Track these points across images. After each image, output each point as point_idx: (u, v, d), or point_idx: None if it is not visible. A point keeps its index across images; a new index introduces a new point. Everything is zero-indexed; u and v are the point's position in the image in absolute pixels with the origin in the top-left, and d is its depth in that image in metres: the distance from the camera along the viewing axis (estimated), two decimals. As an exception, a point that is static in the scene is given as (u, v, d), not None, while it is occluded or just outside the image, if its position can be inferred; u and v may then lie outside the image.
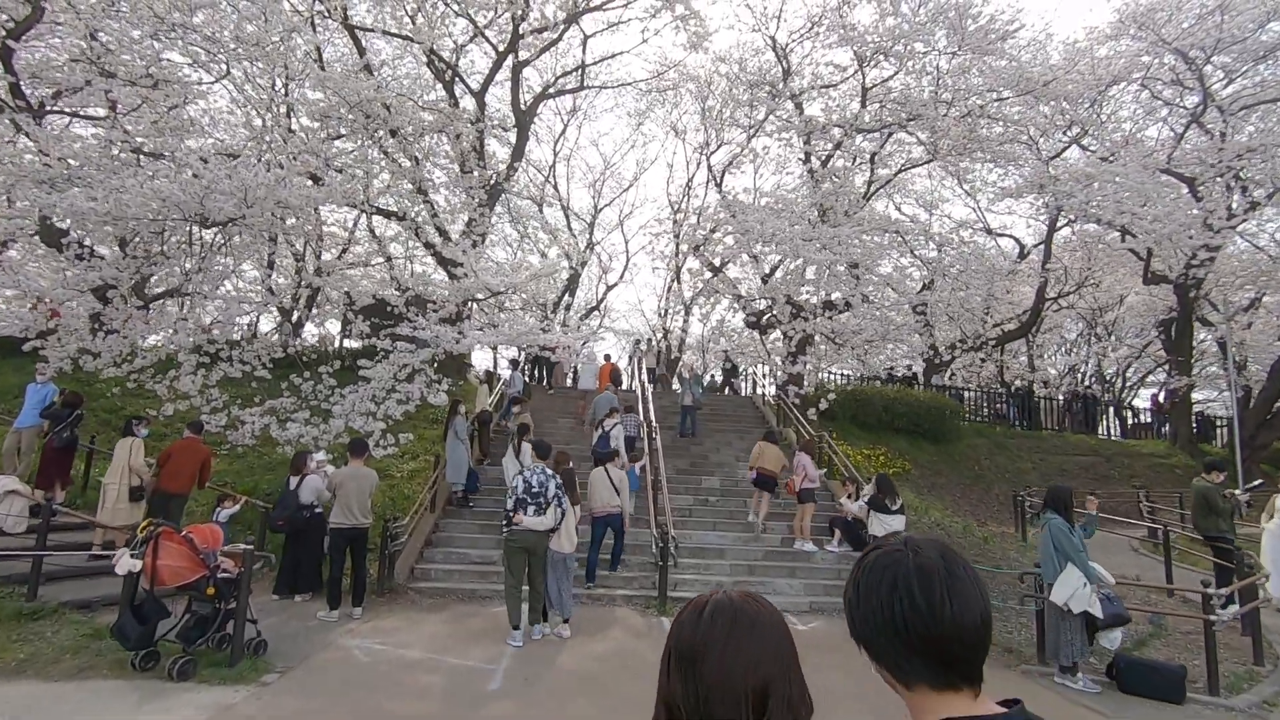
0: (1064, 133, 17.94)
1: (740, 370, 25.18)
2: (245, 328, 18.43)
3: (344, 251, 22.03)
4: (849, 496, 11.13)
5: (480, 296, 11.01)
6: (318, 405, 11.03)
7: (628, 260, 32.24)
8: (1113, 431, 24.99)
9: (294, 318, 21.76)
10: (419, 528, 10.28)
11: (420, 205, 11.74)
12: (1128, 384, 35.48)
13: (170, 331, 9.44)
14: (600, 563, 9.39)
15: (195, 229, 10.40)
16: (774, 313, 13.12)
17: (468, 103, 15.87)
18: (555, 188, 27.51)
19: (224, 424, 10.14)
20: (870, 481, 11.81)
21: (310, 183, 9.26)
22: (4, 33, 10.72)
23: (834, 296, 13.18)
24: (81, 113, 11.83)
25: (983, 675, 1.07)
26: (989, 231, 23.13)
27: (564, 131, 27.99)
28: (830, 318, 12.64)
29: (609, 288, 31.62)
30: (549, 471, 7.28)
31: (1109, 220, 13.69)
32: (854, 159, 15.96)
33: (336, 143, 12.41)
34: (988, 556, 11.41)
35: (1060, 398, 25.02)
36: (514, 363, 14.15)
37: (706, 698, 1.11)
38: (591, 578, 9.19)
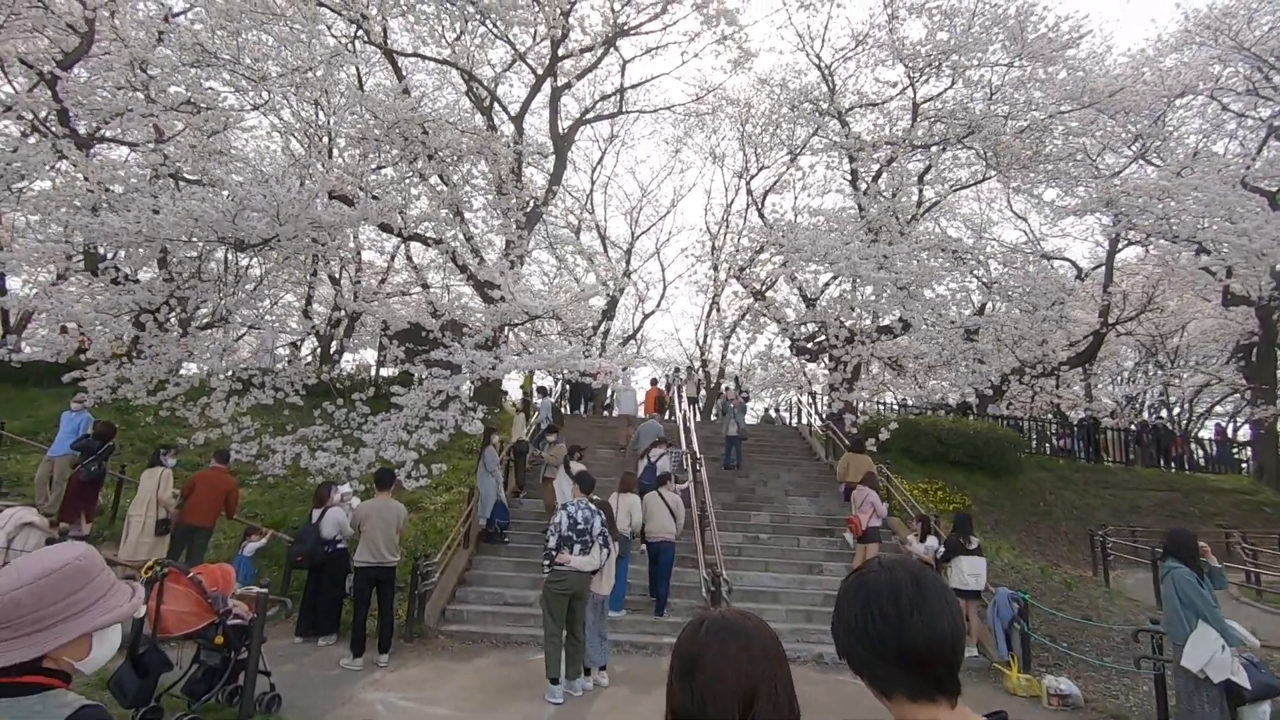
0: (1129, 148, 16.98)
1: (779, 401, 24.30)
2: (284, 356, 18.34)
3: (383, 280, 22.03)
4: (915, 536, 10.19)
5: (517, 321, 10.53)
6: (351, 434, 10.62)
7: (664, 288, 31.81)
8: (1185, 465, 23.27)
9: (332, 347, 21.77)
10: (451, 565, 9.67)
11: (456, 229, 11.39)
12: (1194, 414, 33.41)
13: (211, 358, 9.14)
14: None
15: (231, 254, 10.15)
16: (825, 336, 12.35)
17: (506, 129, 15.70)
18: (592, 215, 27.35)
19: (254, 453, 9.75)
20: (931, 519, 10.87)
21: (343, 204, 8.95)
22: (54, 62, 10.81)
23: (889, 319, 12.37)
24: (125, 138, 11.85)
25: (959, 686, 1.17)
26: (1044, 256, 22.05)
27: (601, 159, 27.91)
28: (891, 340, 11.81)
29: (646, 316, 31.18)
30: (593, 506, 6.63)
31: (1187, 237, 12.66)
32: (900, 181, 15.25)
33: (375, 173, 12.23)
34: (1072, 603, 10.28)
35: (1129, 428, 23.43)
36: (543, 390, 13.62)
37: (701, 701, 1.27)
38: (661, 611, 8.90)
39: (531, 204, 15.97)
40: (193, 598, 4.81)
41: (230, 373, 9.52)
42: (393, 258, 22.59)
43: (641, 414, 15.44)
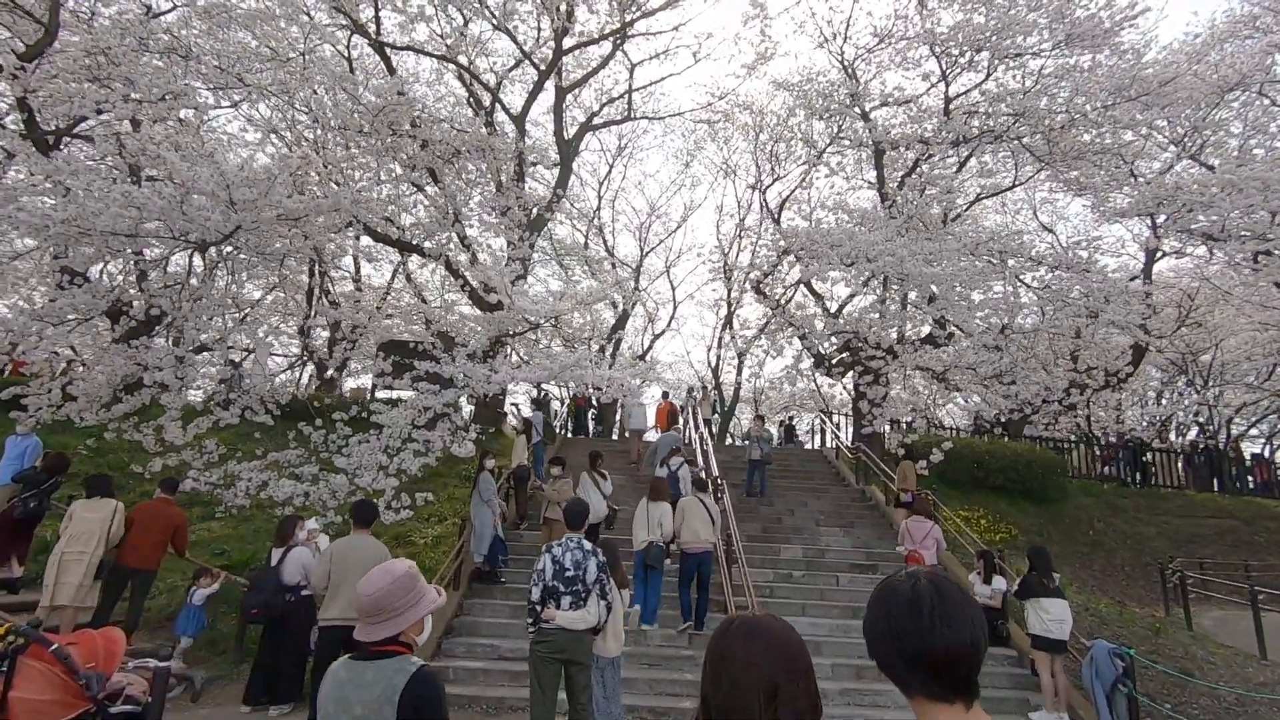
0: (1173, 146, 15.76)
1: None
2: (274, 375, 17.20)
3: (385, 296, 20.99)
4: (979, 575, 8.77)
5: (516, 330, 9.31)
6: (329, 458, 9.36)
7: (675, 308, 30.62)
8: (1240, 489, 21.63)
9: (328, 370, 20.64)
10: (439, 612, 8.31)
11: (450, 230, 10.22)
12: (1230, 435, 31.73)
13: (166, 372, 7.93)
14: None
15: (199, 258, 9.02)
16: (858, 348, 11.05)
17: (508, 129, 14.69)
18: (600, 232, 26.34)
19: (215, 480, 8.51)
20: (994, 554, 9.44)
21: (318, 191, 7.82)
22: (15, 56, 9.83)
23: (929, 327, 11.09)
24: (93, 134, 10.84)
25: (977, 690, 1.25)
26: (1068, 268, 20.74)
27: (609, 174, 27.02)
28: (935, 349, 10.51)
29: (656, 336, 29.98)
30: (587, 546, 5.30)
31: (1259, 235, 11.36)
32: (925, 185, 14.04)
33: (361, 170, 11.11)
34: (1164, 653, 8.74)
35: (1180, 450, 21.89)
36: (536, 402, 12.37)
37: (728, 694, 1.42)
38: (688, 616, 8.16)
39: (535, 211, 14.90)
40: (57, 680, 3.50)
41: (193, 389, 8.29)
42: (393, 277, 21.62)
43: (652, 428, 14.40)
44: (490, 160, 11.51)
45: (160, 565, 7.31)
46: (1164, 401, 30.30)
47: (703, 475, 9.75)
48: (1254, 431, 31.07)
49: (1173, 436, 25.06)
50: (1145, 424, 28.06)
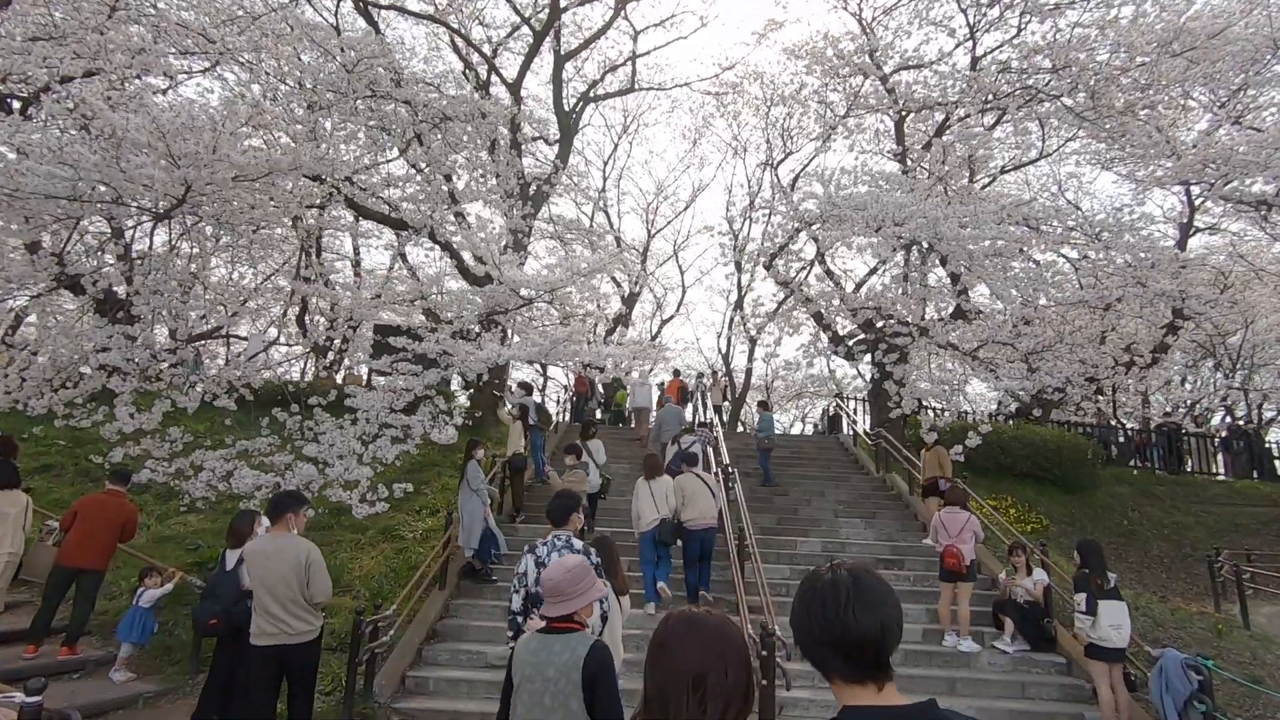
0: (1223, 108, 14.61)
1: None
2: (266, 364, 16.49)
3: (382, 289, 20.25)
4: (1017, 569, 7.90)
5: (509, 305, 8.47)
6: (304, 446, 8.58)
7: (683, 293, 29.71)
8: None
9: (328, 358, 19.94)
10: (422, 614, 7.56)
11: (438, 203, 9.31)
12: (1262, 420, 30.50)
13: (114, 353, 7.16)
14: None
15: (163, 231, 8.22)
16: (883, 323, 10.14)
17: (504, 100, 13.78)
18: (605, 213, 25.44)
19: (176, 471, 7.76)
20: (1029, 547, 8.57)
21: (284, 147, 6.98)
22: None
23: (955, 303, 10.16)
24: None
25: (890, 672, 1.35)
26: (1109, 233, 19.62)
27: (614, 151, 26.09)
28: (966, 320, 9.58)
29: (664, 322, 29.12)
30: (577, 545, 4.47)
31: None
32: (947, 151, 12.98)
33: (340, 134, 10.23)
34: (1228, 657, 7.84)
35: (1217, 435, 20.82)
36: (526, 386, 11.58)
37: (661, 681, 1.57)
38: (693, 599, 7.87)
39: (535, 187, 14.03)
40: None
41: (144, 371, 7.51)
42: (392, 264, 20.90)
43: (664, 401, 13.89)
44: (482, 126, 10.63)
45: (110, 564, 6.58)
46: (1188, 385, 29.13)
47: (694, 451, 9.15)
48: (1282, 418, 29.87)
49: (1214, 421, 23.88)
50: (1172, 409, 26.96)
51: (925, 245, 11.79)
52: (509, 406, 11.08)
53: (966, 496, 8.26)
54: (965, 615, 7.58)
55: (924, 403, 10.87)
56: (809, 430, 28.55)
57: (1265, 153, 10.74)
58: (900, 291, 11.42)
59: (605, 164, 25.62)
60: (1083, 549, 6.94)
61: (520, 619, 4.35)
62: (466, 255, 9.36)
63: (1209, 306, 14.42)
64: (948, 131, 13.02)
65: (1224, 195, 14.67)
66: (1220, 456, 19.87)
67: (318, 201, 9.91)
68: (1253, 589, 13.02)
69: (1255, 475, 19.23)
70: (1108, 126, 10.77)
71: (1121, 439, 20.52)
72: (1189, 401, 29.21)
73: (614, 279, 25.78)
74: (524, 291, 7.96)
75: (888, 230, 8.51)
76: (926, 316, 10.53)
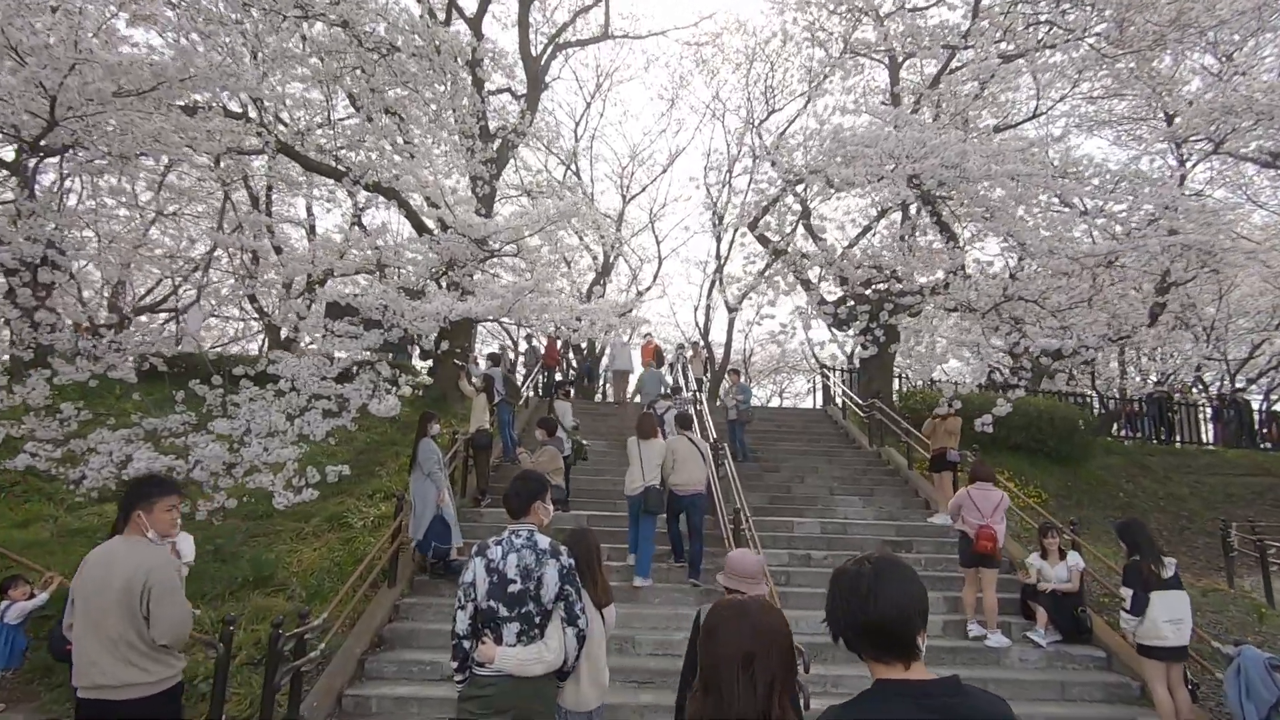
0: (1227, 60, 13.79)
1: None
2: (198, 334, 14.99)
3: (339, 259, 18.71)
4: (1047, 555, 7.02)
5: (465, 259, 7.25)
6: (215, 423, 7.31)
7: (660, 264, 28.49)
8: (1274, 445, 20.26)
9: (282, 334, 18.44)
10: (366, 616, 6.43)
11: (379, 134, 7.93)
12: (1234, 390, 30.54)
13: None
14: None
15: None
16: (886, 284, 9.12)
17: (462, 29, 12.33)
18: (578, 177, 24.07)
19: (59, 457, 6.45)
20: (1059, 527, 7.71)
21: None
22: None
23: (968, 259, 9.18)
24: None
25: (916, 652, 1.48)
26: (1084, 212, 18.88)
27: (586, 110, 24.66)
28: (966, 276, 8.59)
29: (640, 293, 27.91)
30: (543, 542, 3.35)
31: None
32: (939, 103, 11.94)
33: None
34: (1273, 644, 7.10)
35: (1207, 404, 20.47)
36: (494, 357, 10.43)
37: (715, 659, 1.73)
38: (680, 555, 7.68)
39: (500, 139, 12.69)
40: None
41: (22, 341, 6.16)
42: (351, 227, 19.37)
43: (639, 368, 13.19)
44: (438, 62, 9.22)
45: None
46: (1159, 357, 28.95)
47: (689, 411, 8.31)
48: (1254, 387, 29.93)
49: (1224, 389, 23.57)
50: (1146, 379, 26.75)
51: (920, 202, 10.83)
52: (473, 379, 9.87)
53: (990, 474, 7.31)
54: (992, 605, 6.69)
55: (944, 371, 9.89)
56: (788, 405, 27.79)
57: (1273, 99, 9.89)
58: (901, 252, 10.40)
59: (577, 124, 24.22)
60: (1127, 532, 5.90)
61: (467, 643, 3.25)
62: (417, 199, 8.04)
63: (1192, 274, 13.74)
64: (952, 73, 11.89)
65: (1229, 151, 13.95)
66: (1211, 425, 19.54)
67: (246, 146, 8.53)
68: (1258, 559, 12.56)
69: (1244, 444, 18.93)
70: (1130, 65, 9.76)
71: (1107, 408, 20.03)
72: (1165, 373, 29.06)
73: (588, 248, 24.56)
74: (479, 234, 6.72)
75: (901, 169, 7.43)
76: (931, 278, 9.55)
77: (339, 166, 8.40)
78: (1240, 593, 10.11)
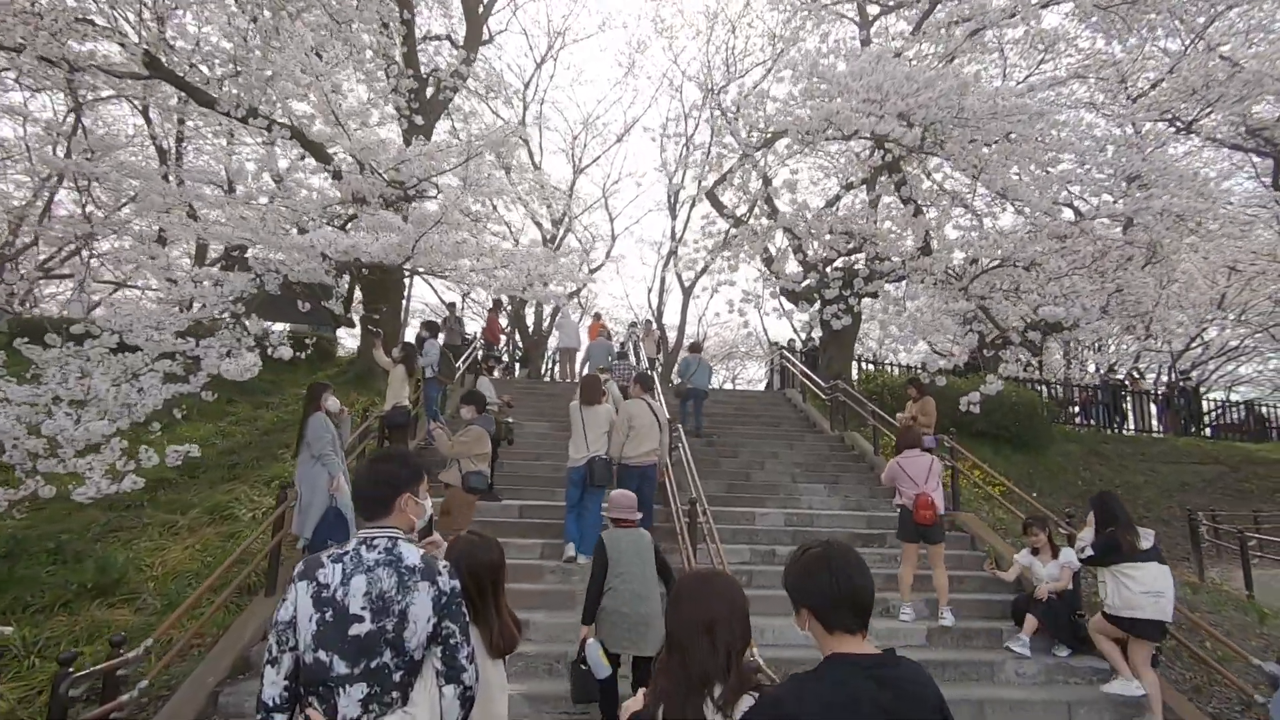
0: (1197, 35, 13.29)
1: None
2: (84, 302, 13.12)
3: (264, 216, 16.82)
4: (1038, 552, 6.17)
5: (373, 195, 5.91)
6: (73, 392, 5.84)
7: (613, 241, 27.20)
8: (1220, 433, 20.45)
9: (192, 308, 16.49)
10: (231, 635, 5.12)
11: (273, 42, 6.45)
12: (1174, 379, 31.28)
13: None
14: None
15: None
16: (861, 254, 8.19)
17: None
18: (526, 144, 22.55)
19: None
20: (1048, 522, 6.90)
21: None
22: None
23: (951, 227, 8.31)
24: None
25: (865, 627, 1.67)
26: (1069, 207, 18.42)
27: (536, 71, 23.16)
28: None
29: (592, 271, 26.62)
30: (410, 558, 2.16)
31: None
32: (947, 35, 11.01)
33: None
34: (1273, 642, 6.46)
35: (1157, 392, 20.53)
36: (430, 325, 9.15)
37: (681, 623, 1.87)
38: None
39: (435, 86, 11.24)
40: None
41: None
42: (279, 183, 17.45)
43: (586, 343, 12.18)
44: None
45: None
46: (1097, 347, 29.35)
47: (648, 371, 7.33)
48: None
49: (1173, 377, 23.77)
50: (1091, 368, 27.05)
51: (888, 172, 9.93)
52: (394, 350, 8.52)
53: (921, 437, 6.67)
54: (943, 583, 6.02)
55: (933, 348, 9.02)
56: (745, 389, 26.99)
57: (1250, 71, 9.33)
58: (872, 221, 9.48)
59: (525, 86, 22.67)
60: (1099, 504, 5.40)
61: (272, 714, 2.06)
62: (320, 126, 6.59)
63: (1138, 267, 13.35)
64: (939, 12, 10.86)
65: (1196, 131, 13.55)
66: (1158, 413, 19.56)
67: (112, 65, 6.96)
68: (1218, 547, 12.28)
69: (1193, 432, 19.00)
70: (1124, 16, 9.00)
71: (1055, 396, 19.87)
72: (1108, 363, 29.46)
73: (538, 223, 23.10)
74: (387, 168, 5.40)
75: (892, 106, 6.40)
76: (911, 244, 8.64)
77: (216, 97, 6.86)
78: (1213, 585, 9.68)
